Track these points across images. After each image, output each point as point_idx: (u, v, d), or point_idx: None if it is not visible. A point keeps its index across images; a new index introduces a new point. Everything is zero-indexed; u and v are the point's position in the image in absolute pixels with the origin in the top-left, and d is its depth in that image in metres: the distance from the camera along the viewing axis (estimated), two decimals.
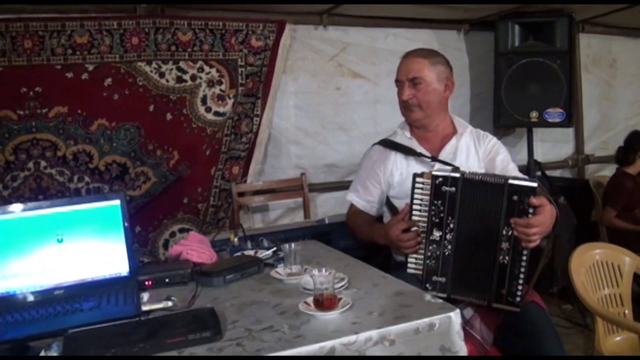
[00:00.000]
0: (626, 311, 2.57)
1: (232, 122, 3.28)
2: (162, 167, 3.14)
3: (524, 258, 1.81)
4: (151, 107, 3.12)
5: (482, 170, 2.16)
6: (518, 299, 1.83)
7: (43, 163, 2.97)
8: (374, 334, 1.34)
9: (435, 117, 2.21)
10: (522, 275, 1.82)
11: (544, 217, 1.78)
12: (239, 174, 3.35)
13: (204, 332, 1.34)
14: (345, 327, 1.37)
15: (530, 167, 3.90)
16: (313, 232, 2.39)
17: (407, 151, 2.18)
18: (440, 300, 1.52)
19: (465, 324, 1.95)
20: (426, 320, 1.40)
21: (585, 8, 3.85)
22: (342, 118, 3.53)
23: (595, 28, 4.48)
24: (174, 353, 1.30)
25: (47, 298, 1.67)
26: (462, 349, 1.43)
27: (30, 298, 1.67)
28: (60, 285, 1.73)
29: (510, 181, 1.81)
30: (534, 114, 3.74)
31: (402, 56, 2.22)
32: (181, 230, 3.23)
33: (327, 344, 1.30)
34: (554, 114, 3.74)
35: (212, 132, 3.23)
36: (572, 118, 3.78)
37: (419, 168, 2.11)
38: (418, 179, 1.93)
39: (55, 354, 1.27)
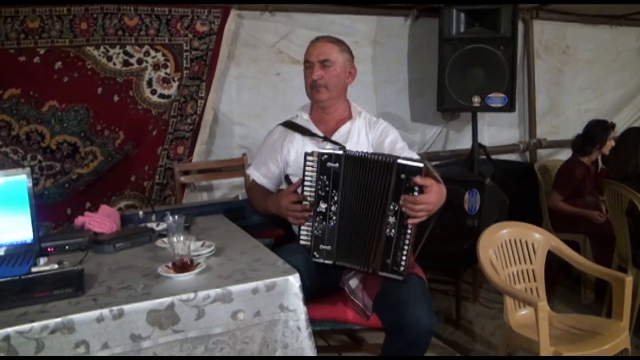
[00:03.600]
0: (538, 287, 2.74)
1: (178, 104, 3.45)
2: (109, 146, 3.31)
3: (409, 232, 1.98)
4: (99, 90, 3.29)
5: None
6: (402, 268, 1.99)
7: None
8: (212, 292, 1.53)
9: (336, 100, 2.38)
10: (406, 247, 1.98)
11: (431, 196, 1.94)
12: (184, 154, 3.52)
13: (67, 288, 1.55)
14: (191, 287, 1.56)
15: (474, 151, 4.03)
16: (227, 207, 2.57)
17: (304, 131, 2.36)
18: (288, 266, 1.70)
19: (350, 293, 2.14)
20: (265, 281, 1.59)
21: None
22: (282, 102, 3.67)
23: (550, 15, 4.56)
24: (38, 307, 1.49)
25: None
26: (300, 308, 1.62)
27: None
28: None
29: (399, 161, 1.97)
30: (476, 99, 3.86)
31: (312, 40, 2.38)
32: (127, 207, 3.41)
33: (167, 300, 1.50)
34: (496, 98, 3.86)
35: (157, 113, 3.41)
36: (514, 103, 3.89)
37: (313, 148, 2.26)
38: (308, 157, 2.10)
39: None
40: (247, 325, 1.58)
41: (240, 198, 2.72)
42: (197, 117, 3.50)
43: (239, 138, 3.69)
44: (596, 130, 3.92)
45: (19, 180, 1.98)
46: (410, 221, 1.96)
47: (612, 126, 3.97)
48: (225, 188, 3.70)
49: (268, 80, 3.70)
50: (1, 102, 3.11)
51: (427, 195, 1.93)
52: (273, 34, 3.70)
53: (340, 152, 2.08)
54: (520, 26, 4.35)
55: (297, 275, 1.63)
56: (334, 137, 2.34)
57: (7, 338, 1.38)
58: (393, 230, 1.99)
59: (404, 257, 1.99)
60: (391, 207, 1.98)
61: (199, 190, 3.64)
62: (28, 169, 2.00)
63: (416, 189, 1.93)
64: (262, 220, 2.52)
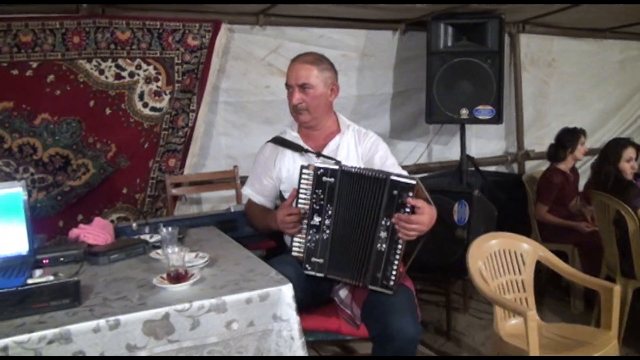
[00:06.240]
0: (527, 297, 2.77)
1: (170, 117, 3.49)
2: (101, 159, 3.35)
3: (399, 247, 2.01)
4: (91, 103, 3.32)
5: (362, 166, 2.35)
6: (392, 282, 2.02)
7: None
8: (206, 302, 1.56)
9: (322, 118, 2.40)
10: (396, 262, 2.02)
11: (424, 217, 1.98)
12: (176, 166, 3.56)
13: (64, 299, 1.58)
14: (186, 297, 1.59)
15: (462, 163, 4.09)
16: (220, 219, 2.59)
17: (295, 148, 2.39)
18: (280, 277, 1.73)
19: (340, 302, 2.17)
20: (259, 291, 1.62)
21: (516, 9, 4.02)
22: (269, 113, 3.74)
23: (536, 28, 4.65)
24: (36, 317, 1.51)
25: None
26: (293, 318, 1.64)
27: None
28: None
29: (392, 177, 2.01)
30: (464, 111, 3.92)
31: (292, 60, 2.36)
32: (119, 219, 3.43)
33: (163, 310, 1.53)
34: (484, 111, 3.92)
35: (149, 126, 3.44)
36: (502, 115, 3.95)
37: (305, 163, 2.27)
38: (304, 170, 2.14)
39: None
40: (241, 335, 1.60)
41: (232, 210, 2.74)
42: (188, 130, 3.54)
43: (225, 148, 3.75)
44: (565, 136, 4.02)
45: (14, 193, 2.00)
46: (401, 237, 2.00)
47: (582, 132, 4.05)
48: (215, 200, 3.73)
49: (257, 93, 3.76)
50: None
51: (421, 216, 1.97)
52: (263, 48, 3.76)
53: (337, 167, 2.12)
54: (507, 39, 4.43)
55: (290, 285, 1.66)
56: (324, 152, 2.36)
57: (5, 348, 1.40)
58: (384, 245, 2.02)
59: (394, 272, 2.02)
60: (383, 222, 2.01)
61: (190, 203, 3.67)
62: (23, 182, 2.03)
63: (408, 206, 1.97)
64: (254, 232, 2.55)
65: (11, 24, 3.10)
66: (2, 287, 1.71)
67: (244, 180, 3.52)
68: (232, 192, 3.56)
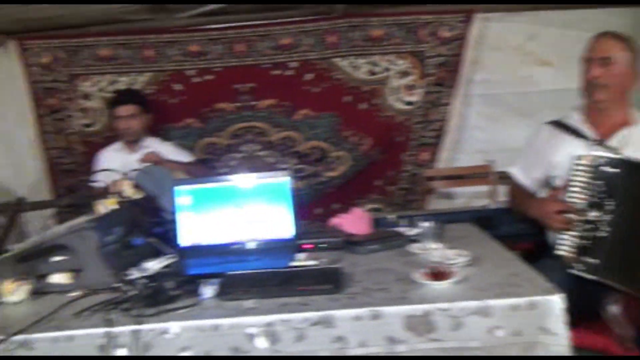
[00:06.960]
0: None
1: (422, 111, 3.50)
2: (356, 151, 3.51)
3: None
4: (347, 98, 3.49)
5: None
6: None
7: (255, 147, 3.50)
8: (470, 304, 1.47)
9: (615, 103, 2.15)
10: None
11: None
12: (429, 160, 3.57)
13: (326, 284, 1.63)
14: (447, 296, 1.52)
15: None
16: (475, 215, 2.47)
17: (575, 133, 2.17)
18: (549, 285, 1.56)
19: (611, 318, 1.91)
20: (526, 299, 1.48)
21: None
22: (525, 105, 3.48)
23: None
24: (298, 299, 1.59)
25: (225, 250, 2.08)
26: (563, 333, 1.47)
27: (214, 249, 2.08)
28: (237, 242, 2.11)
29: None
30: None
31: (595, 35, 2.18)
32: (372, 210, 3.54)
33: (424, 307, 1.48)
34: None
35: (402, 120, 3.50)
36: None
37: (582, 151, 2.05)
38: (580, 160, 1.94)
39: (211, 287, 1.67)
40: (505, 343, 1.48)
41: (493, 206, 2.59)
42: (441, 124, 3.52)
43: (480, 143, 3.61)
44: None
45: (283, 182, 2.14)
46: None
47: None
48: (468, 195, 3.62)
49: (514, 84, 3.55)
50: (257, 111, 3.46)
51: None
52: (520, 35, 3.52)
53: (622, 157, 1.89)
54: None
55: (561, 296, 1.48)
56: (610, 142, 2.11)
57: (270, 324, 1.49)
58: None
59: None
60: None
61: (441, 197, 3.61)
62: (290, 172, 2.15)
63: None
64: (513, 231, 2.39)
65: (270, 29, 3.37)
66: (270, 267, 1.82)
67: (499, 175, 3.37)
68: (485, 188, 3.40)
